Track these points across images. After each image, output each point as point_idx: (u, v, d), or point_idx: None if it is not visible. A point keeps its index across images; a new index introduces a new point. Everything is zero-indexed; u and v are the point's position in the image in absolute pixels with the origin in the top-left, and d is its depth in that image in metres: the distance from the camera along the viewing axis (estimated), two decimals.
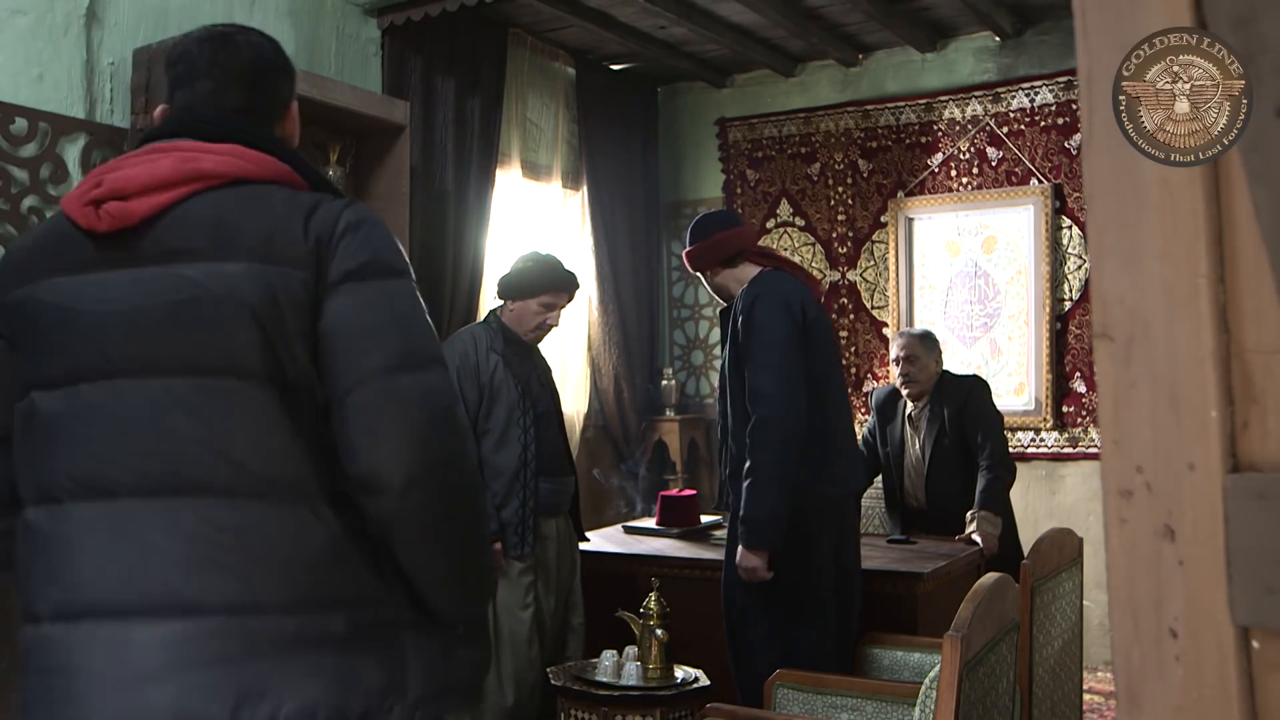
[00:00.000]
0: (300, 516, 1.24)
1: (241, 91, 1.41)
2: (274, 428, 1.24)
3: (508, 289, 3.28)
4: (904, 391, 3.96)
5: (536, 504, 3.16)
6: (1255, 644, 0.76)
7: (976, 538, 3.63)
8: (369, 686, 1.24)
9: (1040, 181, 5.03)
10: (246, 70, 1.42)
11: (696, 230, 3.11)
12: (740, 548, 2.84)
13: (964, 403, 3.84)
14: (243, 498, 1.23)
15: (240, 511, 1.23)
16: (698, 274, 3.16)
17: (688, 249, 3.11)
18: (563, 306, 3.29)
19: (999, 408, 3.94)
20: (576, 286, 3.32)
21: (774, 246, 5.57)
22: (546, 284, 3.23)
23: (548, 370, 3.43)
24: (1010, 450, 3.92)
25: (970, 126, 5.22)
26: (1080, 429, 4.95)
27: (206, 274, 1.25)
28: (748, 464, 2.82)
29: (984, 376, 4.30)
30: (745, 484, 2.82)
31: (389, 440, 1.22)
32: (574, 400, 5.35)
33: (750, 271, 3.04)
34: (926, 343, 3.93)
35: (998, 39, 5.16)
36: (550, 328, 3.29)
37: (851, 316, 5.48)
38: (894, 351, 3.99)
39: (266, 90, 1.44)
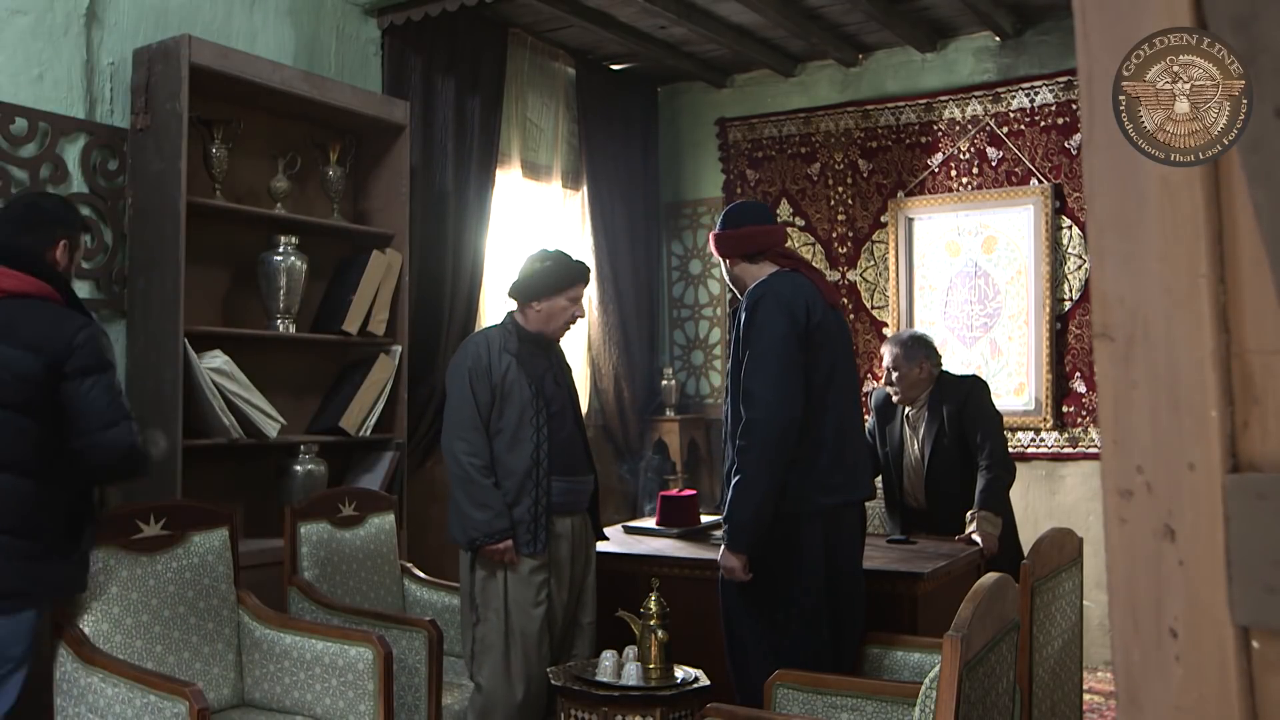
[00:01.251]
0: (32, 485, 2.39)
1: (20, 232, 2.52)
2: (27, 438, 2.38)
3: (535, 290, 3.26)
4: (894, 398, 3.97)
5: (549, 503, 3.18)
6: (1255, 644, 0.76)
7: (976, 538, 3.63)
8: (49, 581, 2.48)
9: (1040, 181, 5.03)
10: (22, 218, 2.56)
11: (729, 217, 3.11)
12: (722, 547, 2.87)
13: (963, 403, 3.84)
14: (7, 473, 2.36)
15: (6, 479, 2.36)
16: (721, 260, 3.14)
17: (716, 233, 3.11)
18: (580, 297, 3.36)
19: (999, 408, 3.94)
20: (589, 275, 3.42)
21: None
22: (573, 278, 3.29)
23: (566, 370, 3.43)
24: (1010, 450, 3.92)
25: (970, 126, 5.22)
26: (1080, 429, 4.95)
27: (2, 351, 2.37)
28: (735, 465, 2.83)
29: (984, 376, 4.30)
30: (731, 485, 2.84)
31: (108, 449, 2.42)
32: None
33: (767, 270, 3.02)
34: (909, 350, 3.89)
35: (998, 39, 5.16)
36: (577, 319, 3.34)
37: (852, 317, 5.47)
38: (883, 358, 4.01)
39: (38, 232, 2.54)
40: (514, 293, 3.30)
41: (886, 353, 3.95)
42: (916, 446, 3.93)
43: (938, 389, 3.89)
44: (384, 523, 3.59)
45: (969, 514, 3.70)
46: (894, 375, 3.89)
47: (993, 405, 3.89)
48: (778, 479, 2.79)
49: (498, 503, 3.11)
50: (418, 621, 3.09)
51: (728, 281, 3.20)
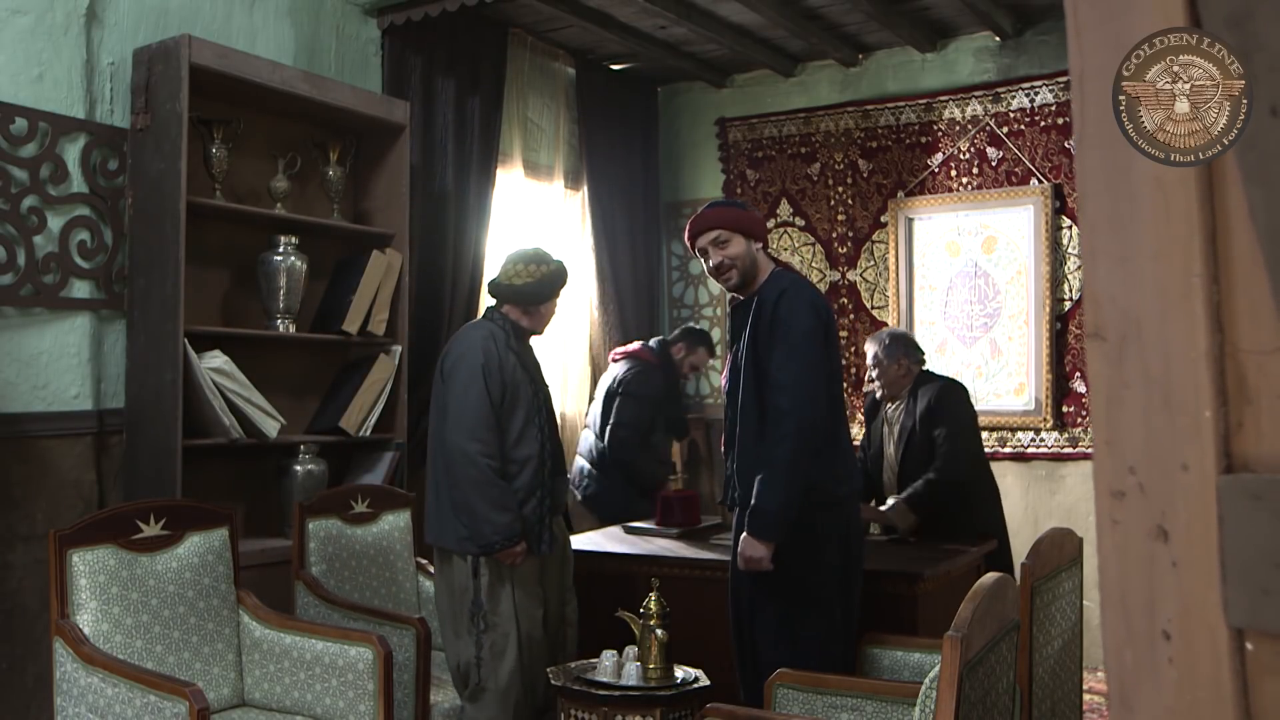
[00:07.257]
0: None
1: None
2: None
3: (543, 294, 3.23)
4: (877, 393, 4.03)
5: (553, 502, 3.18)
6: (1250, 646, 0.76)
7: (886, 512, 3.66)
8: None
9: (1040, 181, 5.03)
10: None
11: (729, 202, 3.28)
12: (745, 535, 2.84)
13: (932, 402, 3.84)
14: None
15: None
16: (714, 234, 2.98)
17: (722, 209, 3.07)
18: None
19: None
20: None
21: (774, 247, 5.58)
22: (566, 277, 3.30)
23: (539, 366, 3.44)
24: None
25: (970, 126, 5.21)
26: (1080, 429, 4.94)
27: None
28: (765, 455, 2.82)
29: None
30: (759, 475, 2.82)
31: None
32: (574, 400, 5.35)
33: (766, 262, 3.07)
34: (888, 348, 3.95)
35: (998, 39, 5.15)
36: None
37: (851, 316, 5.47)
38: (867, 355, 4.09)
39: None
40: (523, 298, 3.22)
41: (869, 349, 4.02)
42: (891, 446, 3.96)
43: (915, 389, 3.93)
44: (398, 520, 3.61)
45: (890, 497, 3.72)
46: (874, 371, 3.97)
47: (962, 409, 3.88)
48: (805, 469, 2.83)
49: (515, 504, 3.08)
50: (406, 619, 3.09)
51: (708, 268, 3.06)
